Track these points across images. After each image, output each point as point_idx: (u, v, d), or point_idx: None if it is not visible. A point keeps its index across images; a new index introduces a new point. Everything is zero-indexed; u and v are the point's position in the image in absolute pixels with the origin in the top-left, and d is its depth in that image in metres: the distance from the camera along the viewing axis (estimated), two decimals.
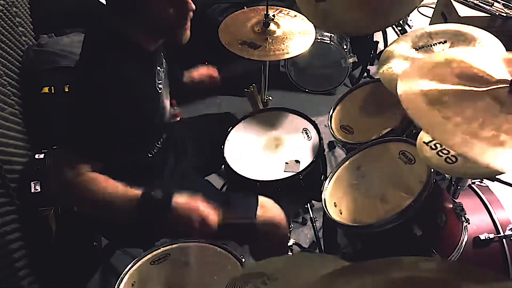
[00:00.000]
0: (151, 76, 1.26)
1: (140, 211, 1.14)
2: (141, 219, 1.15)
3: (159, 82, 1.29)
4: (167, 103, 1.37)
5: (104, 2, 1.22)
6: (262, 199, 1.38)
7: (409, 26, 3.27)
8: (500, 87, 0.90)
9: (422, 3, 3.39)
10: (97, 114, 1.11)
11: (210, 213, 1.18)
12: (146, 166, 1.35)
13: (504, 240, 1.34)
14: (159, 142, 1.38)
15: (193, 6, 1.15)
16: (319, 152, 1.54)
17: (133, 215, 1.14)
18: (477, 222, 1.37)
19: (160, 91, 1.30)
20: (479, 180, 1.56)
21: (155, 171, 1.41)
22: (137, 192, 1.15)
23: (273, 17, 1.77)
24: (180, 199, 1.17)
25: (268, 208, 1.38)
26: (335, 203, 1.37)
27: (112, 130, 1.13)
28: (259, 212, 1.34)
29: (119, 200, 1.13)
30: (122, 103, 1.12)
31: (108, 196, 1.13)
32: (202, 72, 1.67)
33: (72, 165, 1.11)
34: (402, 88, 1.00)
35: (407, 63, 1.53)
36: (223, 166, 1.57)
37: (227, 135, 1.64)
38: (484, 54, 1.08)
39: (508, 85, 0.89)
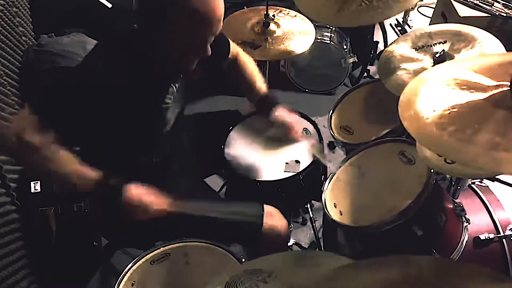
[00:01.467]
0: (158, 91, 1.26)
1: (95, 193, 1.17)
2: (95, 199, 1.21)
3: (168, 96, 1.29)
4: (172, 116, 1.36)
5: (108, 5, 1.22)
6: (268, 207, 1.41)
7: (409, 26, 3.27)
8: (500, 91, 0.90)
9: (422, 3, 3.41)
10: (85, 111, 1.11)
11: (154, 200, 1.19)
12: (147, 170, 1.35)
13: (504, 240, 1.34)
14: (159, 154, 1.38)
15: (209, 53, 1.15)
16: None
17: (88, 194, 1.20)
18: (477, 222, 1.37)
19: (166, 105, 1.29)
20: (479, 180, 1.56)
21: (158, 175, 1.41)
22: (94, 174, 1.16)
23: (273, 17, 1.77)
24: (132, 190, 1.18)
25: (275, 217, 1.41)
26: (335, 203, 1.37)
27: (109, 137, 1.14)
28: (266, 219, 1.37)
29: (77, 176, 1.15)
30: (111, 106, 1.12)
31: (66, 169, 1.15)
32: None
33: (41, 130, 1.09)
34: (405, 112, 1.00)
35: (411, 65, 1.53)
36: (223, 166, 1.57)
37: (227, 135, 1.64)
38: (481, 60, 1.09)
39: (508, 88, 0.89)
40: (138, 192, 1.19)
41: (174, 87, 1.30)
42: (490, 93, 0.92)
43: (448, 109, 0.93)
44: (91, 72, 1.15)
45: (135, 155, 1.27)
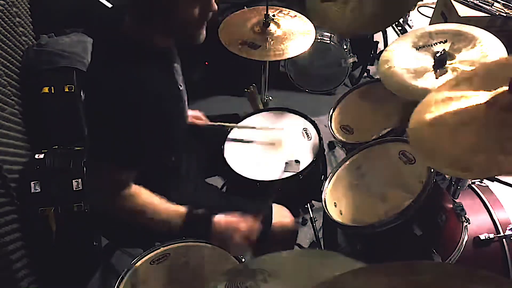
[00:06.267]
0: (172, 75, 1.24)
1: (184, 227, 1.18)
2: (184, 233, 1.22)
3: (179, 79, 1.28)
4: (186, 98, 1.35)
5: (108, 5, 1.19)
6: (276, 207, 1.41)
7: (409, 26, 3.27)
8: (500, 93, 0.90)
9: (422, 3, 3.42)
10: (126, 124, 1.09)
11: (249, 229, 1.20)
12: (168, 170, 1.35)
13: (504, 240, 1.34)
14: (183, 143, 1.37)
15: (216, 7, 1.13)
16: (319, 152, 1.54)
17: (176, 229, 1.18)
18: (477, 222, 1.37)
19: (181, 88, 1.28)
20: (479, 180, 1.56)
21: (173, 175, 1.41)
22: (180, 209, 1.18)
23: (273, 17, 1.77)
24: (219, 218, 1.20)
25: (282, 216, 1.41)
26: (335, 203, 1.37)
27: (142, 137, 1.12)
28: (275, 218, 1.37)
29: (164, 215, 1.18)
30: (149, 109, 1.09)
31: (153, 212, 1.17)
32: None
33: (118, 180, 1.14)
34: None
35: (406, 61, 1.54)
36: (223, 166, 1.57)
37: (227, 135, 1.64)
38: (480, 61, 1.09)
39: (508, 87, 0.89)
40: (227, 220, 1.20)
41: (178, 66, 1.28)
42: (490, 95, 0.92)
43: (449, 115, 0.94)
44: (128, 80, 1.10)
45: (167, 149, 1.26)
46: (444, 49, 1.50)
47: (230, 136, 1.64)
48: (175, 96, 1.25)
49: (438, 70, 1.46)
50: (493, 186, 1.55)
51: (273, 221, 1.36)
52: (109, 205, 1.18)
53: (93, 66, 1.22)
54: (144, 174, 1.18)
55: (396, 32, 3.29)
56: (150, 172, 1.22)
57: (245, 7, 2.00)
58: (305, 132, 1.63)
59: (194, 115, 1.66)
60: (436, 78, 1.44)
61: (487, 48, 1.45)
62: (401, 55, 1.57)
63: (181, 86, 1.28)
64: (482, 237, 1.33)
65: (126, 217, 1.20)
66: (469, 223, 1.31)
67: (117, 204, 1.16)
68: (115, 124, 1.09)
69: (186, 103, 1.35)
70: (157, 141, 1.16)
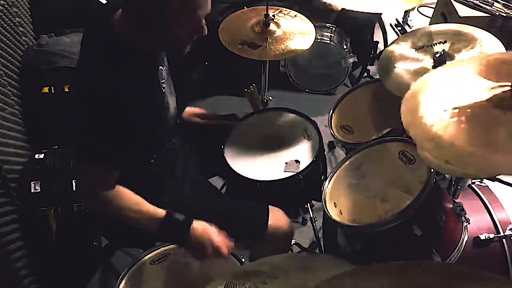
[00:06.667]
0: (154, 77, 1.25)
1: (161, 231, 1.19)
2: (161, 237, 1.23)
3: (162, 81, 1.28)
4: (171, 101, 1.35)
5: (103, 1, 1.19)
6: (272, 209, 1.41)
7: (409, 26, 3.28)
8: (501, 92, 0.91)
9: (422, 3, 3.42)
10: (105, 121, 1.10)
11: (223, 244, 1.22)
12: (155, 168, 1.34)
13: (504, 240, 1.34)
14: (169, 144, 1.37)
15: (206, 32, 1.14)
16: (319, 152, 1.54)
17: (154, 232, 1.19)
18: (477, 222, 1.37)
19: (163, 90, 1.28)
20: (479, 180, 1.56)
21: (165, 174, 1.41)
22: (160, 212, 1.20)
23: (273, 17, 1.77)
24: (197, 225, 1.22)
25: (279, 217, 1.41)
26: (335, 203, 1.37)
27: (121, 136, 1.13)
28: (270, 220, 1.37)
29: (144, 217, 1.19)
30: (127, 108, 1.10)
31: (134, 213, 1.19)
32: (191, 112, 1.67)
33: (101, 181, 1.15)
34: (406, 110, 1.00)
35: (412, 65, 1.53)
36: (224, 166, 1.57)
37: (227, 135, 1.64)
38: (480, 59, 1.09)
39: (510, 88, 0.89)
40: (204, 228, 1.22)
41: (162, 69, 1.29)
42: (492, 93, 0.92)
43: (450, 111, 0.93)
44: (108, 78, 1.11)
45: (145, 150, 1.26)
46: (444, 50, 1.50)
47: (230, 135, 1.65)
48: (156, 98, 1.25)
49: None
50: (493, 186, 1.55)
51: (268, 223, 1.36)
52: (89, 203, 1.22)
53: (79, 61, 1.23)
54: (133, 176, 1.19)
55: (396, 32, 3.29)
56: (138, 174, 1.24)
57: (245, 7, 2.00)
58: (305, 132, 1.63)
59: (193, 112, 1.65)
60: None
61: (487, 48, 1.45)
62: (401, 55, 1.57)
63: (164, 88, 1.28)
64: (482, 237, 1.33)
65: (106, 215, 1.23)
66: (469, 223, 1.31)
67: (97, 203, 1.18)
68: (92, 120, 1.12)
69: (172, 104, 1.34)
70: (131, 141, 1.16)
